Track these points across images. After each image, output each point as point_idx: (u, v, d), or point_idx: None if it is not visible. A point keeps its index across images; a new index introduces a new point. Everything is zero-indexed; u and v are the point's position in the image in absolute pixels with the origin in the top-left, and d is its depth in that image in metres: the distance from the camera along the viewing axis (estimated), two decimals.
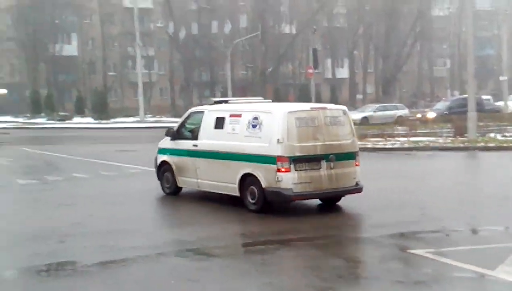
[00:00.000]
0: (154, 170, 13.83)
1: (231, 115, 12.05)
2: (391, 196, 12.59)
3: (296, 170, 10.86)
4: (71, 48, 68.14)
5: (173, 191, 13.19)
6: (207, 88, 70.45)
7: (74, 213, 11.44)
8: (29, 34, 60.54)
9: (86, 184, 15.10)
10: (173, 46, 64.00)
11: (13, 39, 63.77)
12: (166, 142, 13.40)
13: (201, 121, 12.68)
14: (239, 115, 11.88)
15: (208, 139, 12.34)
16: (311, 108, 11.75)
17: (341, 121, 11.51)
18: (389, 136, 25.75)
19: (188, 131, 13.14)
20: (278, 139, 10.89)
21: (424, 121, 34.29)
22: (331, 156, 11.11)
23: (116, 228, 10.11)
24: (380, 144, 23.81)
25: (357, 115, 38.67)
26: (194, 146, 12.57)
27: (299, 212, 11.22)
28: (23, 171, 17.80)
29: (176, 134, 13.19)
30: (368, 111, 42.61)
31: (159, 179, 13.53)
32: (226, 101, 13.17)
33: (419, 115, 38.67)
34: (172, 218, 11.90)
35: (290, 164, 10.82)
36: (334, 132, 11.37)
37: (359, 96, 68.59)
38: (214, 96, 67.86)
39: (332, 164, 11.11)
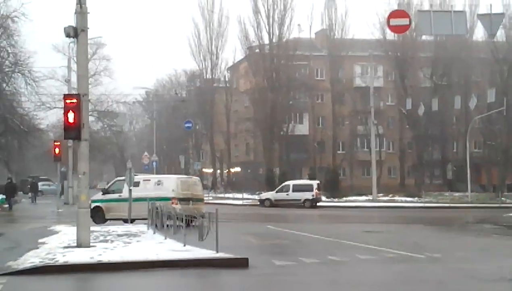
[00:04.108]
0: (414, 255, 15.39)
1: (144, 180, 26.42)
2: None
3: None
4: (303, 128, 69.85)
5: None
6: (437, 167, 67.64)
7: None
8: (266, 115, 63.04)
9: (345, 269, 14.10)
10: (407, 123, 62.57)
11: (251, 120, 66.99)
12: (99, 196, 26.89)
13: (122, 184, 25.64)
14: (149, 179, 26.59)
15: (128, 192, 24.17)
16: (187, 177, 29.62)
17: (197, 183, 27.50)
18: None
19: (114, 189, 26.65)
20: (173, 190, 25.07)
21: None
22: (193, 198, 25.65)
23: None
24: None
25: None
26: (119, 196, 25.71)
27: None
28: (276, 250, 17.34)
29: (105, 191, 27.02)
30: None
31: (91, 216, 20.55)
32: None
33: None
34: None
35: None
36: (195, 189, 26.75)
37: None
38: (446, 175, 64.85)
39: (192, 202, 25.08)
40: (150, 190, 25.03)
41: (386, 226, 25.80)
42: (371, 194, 49.24)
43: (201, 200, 26.85)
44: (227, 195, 59.02)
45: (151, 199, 21.69)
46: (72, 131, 16.48)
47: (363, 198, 50.35)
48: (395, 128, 67.00)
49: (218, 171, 79.59)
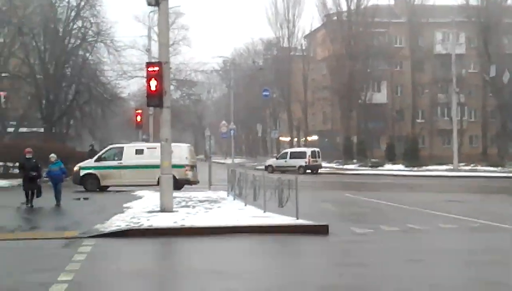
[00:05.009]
0: (499, 225, 15.15)
1: (148, 147, 27.07)
2: None
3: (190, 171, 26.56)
4: (381, 96, 68.79)
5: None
6: None
7: (429, 271, 10.21)
8: (343, 83, 62.42)
9: (426, 237, 13.94)
10: (490, 91, 60.60)
11: (328, 88, 66.47)
12: (90, 162, 27.09)
13: (120, 152, 27.11)
14: (155, 147, 24.31)
15: (130, 159, 26.37)
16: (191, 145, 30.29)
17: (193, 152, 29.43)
18: None
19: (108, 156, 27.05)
20: (186, 157, 26.44)
21: None
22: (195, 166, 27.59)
23: None
24: None
25: None
26: (118, 163, 26.48)
27: None
28: (354, 218, 17.30)
29: (99, 158, 27.07)
30: None
31: (79, 183, 26.38)
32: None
33: None
34: None
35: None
36: (195, 157, 28.96)
37: None
38: None
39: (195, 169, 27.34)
40: (158, 157, 25.30)
41: (467, 196, 25.24)
42: (451, 163, 48.14)
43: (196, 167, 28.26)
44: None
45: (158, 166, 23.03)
46: (155, 98, 16.85)
47: (444, 167, 49.26)
48: (478, 97, 64.90)
49: (295, 140, 79.63)
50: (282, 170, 44.44)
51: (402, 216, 17.40)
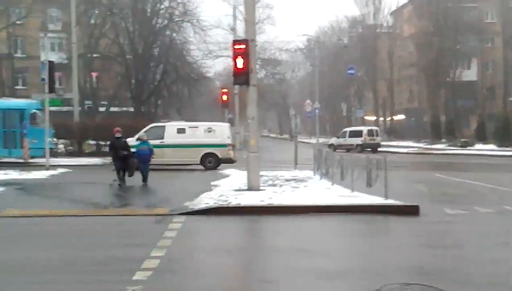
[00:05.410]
0: None
1: (190, 127, 27.49)
2: None
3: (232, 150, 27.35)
4: (470, 73, 66.57)
5: None
6: None
7: None
8: (431, 60, 60.76)
9: None
10: None
11: (415, 66, 64.87)
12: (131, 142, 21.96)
13: (161, 131, 26.74)
14: (196, 127, 27.55)
15: (172, 138, 26.30)
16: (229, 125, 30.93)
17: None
18: None
19: (151, 135, 23.70)
20: (228, 137, 27.00)
21: None
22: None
23: None
24: None
25: None
26: (160, 142, 25.24)
27: None
28: (447, 199, 16.80)
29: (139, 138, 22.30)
30: None
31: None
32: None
33: None
34: None
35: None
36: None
37: None
38: None
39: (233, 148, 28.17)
40: (200, 136, 26.03)
41: None
42: None
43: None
44: (390, 143, 57.97)
45: (204, 145, 23.29)
46: (241, 76, 16.83)
47: None
48: None
49: (381, 119, 78.38)
50: (342, 148, 45.25)
51: (497, 198, 16.76)
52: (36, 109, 30.84)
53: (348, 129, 51.44)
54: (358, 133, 48.15)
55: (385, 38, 73.75)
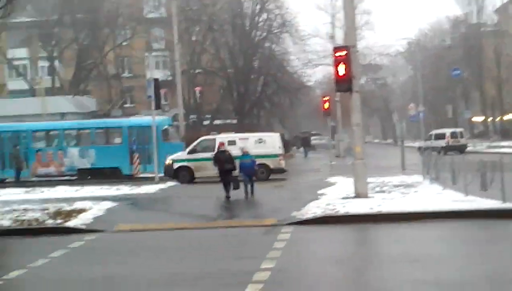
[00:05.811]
0: None
1: (240, 138, 26.37)
2: None
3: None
4: None
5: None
6: None
7: None
8: None
9: None
10: None
11: None
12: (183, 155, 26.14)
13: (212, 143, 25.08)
14: (247, 138, 26.46)
15: None
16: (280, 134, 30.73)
17: None
18: None
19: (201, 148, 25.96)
20: (279, 147, 26.60)
21: None
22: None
23: None
24: None
25: None
26: (212, 154, 21.18)
27: None
28: None
29: (192, 150, 26.05)
30: None
31: (172, 176, 25.70)
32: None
33: None
34: None
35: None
36: None
37: None
38: None
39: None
40: (251, 147, 24.19)
41: None
42: None
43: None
44: (502, 143, 55.52)
45: (256, 156, 21.70)
46: (343, 83, 16.57)
47: None
48: None
49: (490, 119, 75.35)
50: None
51: None
52: (168, 125, 31.95)
53: (434, 132, 51.03)
54: (442, 136, 47.57)
55: (490, 36, 70.93)
